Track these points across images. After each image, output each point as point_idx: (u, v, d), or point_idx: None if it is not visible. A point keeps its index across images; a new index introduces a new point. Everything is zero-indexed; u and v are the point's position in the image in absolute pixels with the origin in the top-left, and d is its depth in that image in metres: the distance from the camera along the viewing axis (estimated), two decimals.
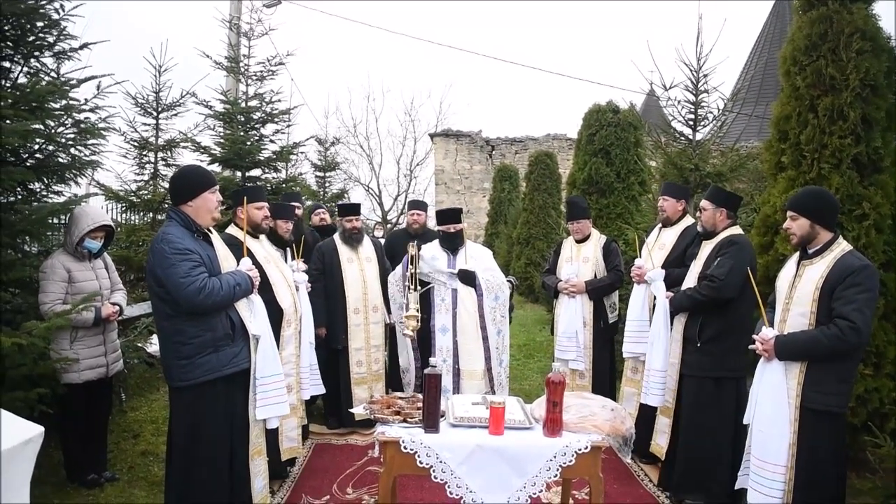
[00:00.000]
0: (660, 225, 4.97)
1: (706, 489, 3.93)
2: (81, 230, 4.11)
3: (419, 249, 4.78)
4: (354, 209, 5.81)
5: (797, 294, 3.22)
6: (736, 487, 3.53)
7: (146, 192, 7.46)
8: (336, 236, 5.68)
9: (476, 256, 5.02)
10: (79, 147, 4.56)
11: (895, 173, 4.30)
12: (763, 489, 3.19)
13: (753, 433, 3.31)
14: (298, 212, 5.94)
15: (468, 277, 4.85)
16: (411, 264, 4.52)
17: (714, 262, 3.95)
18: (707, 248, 4.11)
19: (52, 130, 4.39)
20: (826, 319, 3.08)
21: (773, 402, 3.18)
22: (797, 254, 3.36)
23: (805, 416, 3.13)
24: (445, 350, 4.83)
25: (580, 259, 5.32)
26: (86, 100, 4.59)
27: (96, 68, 4.61)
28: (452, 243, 4.99)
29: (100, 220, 4.23)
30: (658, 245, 4.84)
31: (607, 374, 5.32)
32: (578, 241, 5.42)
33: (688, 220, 4.86)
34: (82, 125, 4.55)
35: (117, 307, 4.30)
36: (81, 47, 4.54)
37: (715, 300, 3.87)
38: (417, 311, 4.35)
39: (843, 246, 3.19)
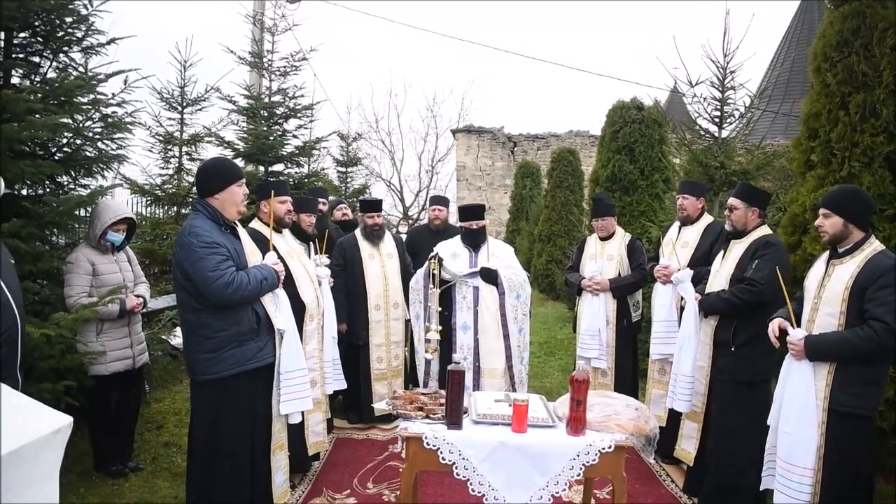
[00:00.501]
0: (678, 223, 4.91)
1: (733, 492, 3.86)
2: (104, 223, 4.16)
3: (440, 262, 4.74)
4: (376, 205, 5.81)
5: (826, 294, 3.15)
6: (761, 488, 3.48)
7: (171, 186, 7.55)
8: (357, 232, 5.69)
9: (498, 254, 4.97)
10: (106, 141, 4.63)
11: None
12: (790, 491, 3.13)
13: (779, 435, 3.24)
14: (323, 207, 5.96)
15: (490, 276, 4.80)
16: (433, 284, 4.51)
17: (749, 263, 3.84)
18: (738, 248, 3.99)
19: (80, 124, 4.46)
20: (855, 320, 3.01)
21: (801, 403, 3.11)
22: (826, 253, 3.29)
23: (833, 418, 3.06)
24: (466, 348, 4.80)
25: (604, 256, 5.28)
26: (113, 94, 4.67)
27: (123, 63, 4.69)
28: (474, 240, 4.95)
29: (121, 212, 4.28)
30: (681, 244, 4.77)
31: (630, 372, 5.28)
32: (603, 239, 5.38)
33: (707, 218, 4.80)
34: (109, 119, 4.61)
35: (141, 299, 4.36)
36: (109, 42, 4.62)
37: (752, 304, 3.76)
38: (438, 335, 4.51)
39: (874, 245, 3.12)
